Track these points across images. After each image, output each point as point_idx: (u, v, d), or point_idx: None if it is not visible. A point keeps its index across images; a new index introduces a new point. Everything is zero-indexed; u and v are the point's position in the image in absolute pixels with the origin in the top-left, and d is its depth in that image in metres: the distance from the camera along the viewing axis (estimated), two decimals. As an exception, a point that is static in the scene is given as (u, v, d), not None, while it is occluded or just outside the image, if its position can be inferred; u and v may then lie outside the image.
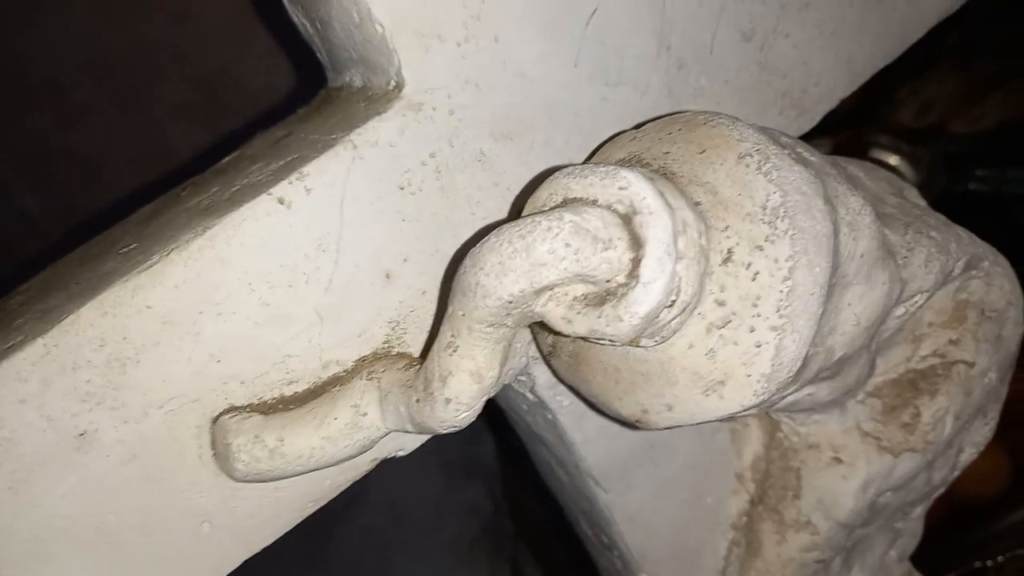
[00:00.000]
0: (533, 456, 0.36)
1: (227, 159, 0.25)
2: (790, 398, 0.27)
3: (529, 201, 0.21)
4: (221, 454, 0.22)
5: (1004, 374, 0.34)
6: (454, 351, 0.20)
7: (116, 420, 0.22)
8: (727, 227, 0.21)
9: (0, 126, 0.51)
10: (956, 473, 0.36)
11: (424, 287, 0.25)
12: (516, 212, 0.25)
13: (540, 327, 0.22)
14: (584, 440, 0.31)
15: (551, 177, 0.20)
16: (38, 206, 0.55)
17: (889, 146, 0.69)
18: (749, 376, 0.21)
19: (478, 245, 0.19)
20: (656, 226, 0.18)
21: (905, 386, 0.32)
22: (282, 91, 0.51)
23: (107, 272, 0.21)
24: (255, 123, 0.26)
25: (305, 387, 0.24)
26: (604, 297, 0.19)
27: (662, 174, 0.21)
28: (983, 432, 0.35)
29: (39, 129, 0.52)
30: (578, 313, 0.19)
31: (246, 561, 0.25)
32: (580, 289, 0.19)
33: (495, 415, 0.35)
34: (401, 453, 0.26)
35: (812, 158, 0.23)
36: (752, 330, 0.20)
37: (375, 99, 0.23)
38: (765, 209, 0.20)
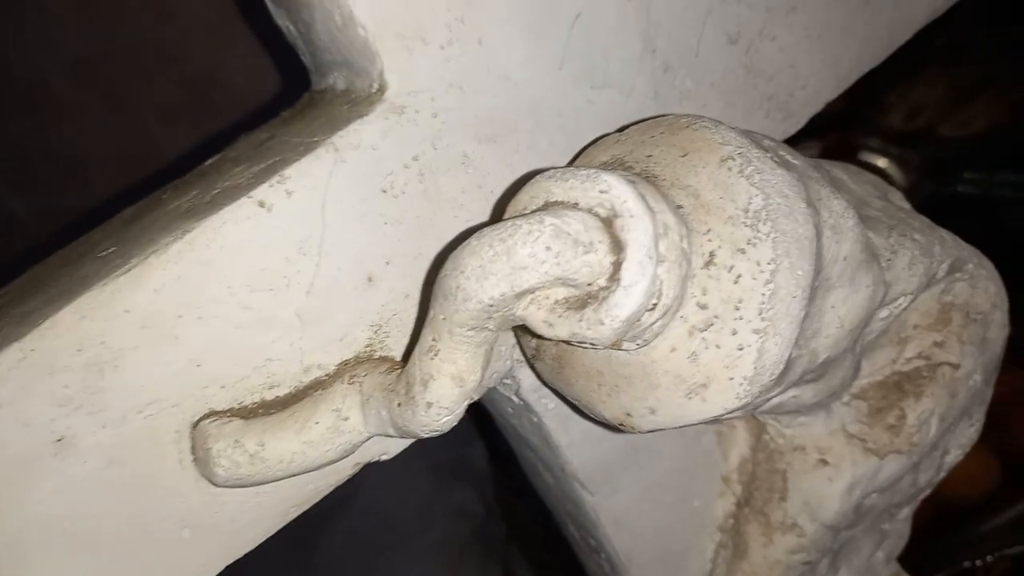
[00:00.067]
0: (520, 459, 0.36)
1: (209, 162, 0.25)
2: (775, 400, 0.27)
3: (510, 204, 0.21)
4: (201, 459, 0.22)
5: (989, 376, 0.34)
6: (435, 355, 0.20)
7: (95, 425, 0.21)
8: (709, 230, 0.21)
9: (-15, 127, 0.51)
10: (942, 475, 0.36)
11: (407, 291, 0.24)
12: (498, 215, 0.25)
13: (523, 330, 0.22)
14: (570, 443, 0.31)
15: (532, 180, 0.20)
16: (24, 208, 0.55)
17: (878, 149, 0.69)
18: (731, 379, 0.21)
19: (458, 248, 0.19)
20: (637, 229, 0.18)
21: (890, 388, 0.32)
22: (269, 92, 0.50)
23: (85, 276, 0.21)
24: (242, 124, 0.26)
25: (286, 391, 0.23)
26: (585, 300, 0.19)
27: (644, 177, 0.21)
28: (968, 434, 0.35)
29: (25, 131, 0.52)
30: (559, 316, 0.19)
31: (229, 566, 0.25)
32: (561, 292, 0.19)
33: (485, 418, 0.35)
34: (384, 457, 0.26)
35: (795, 161, 0.23)
36: (734, 333, 0.20)
37: (358, 102, 0.23)
38: (747, 212, 0.20)
